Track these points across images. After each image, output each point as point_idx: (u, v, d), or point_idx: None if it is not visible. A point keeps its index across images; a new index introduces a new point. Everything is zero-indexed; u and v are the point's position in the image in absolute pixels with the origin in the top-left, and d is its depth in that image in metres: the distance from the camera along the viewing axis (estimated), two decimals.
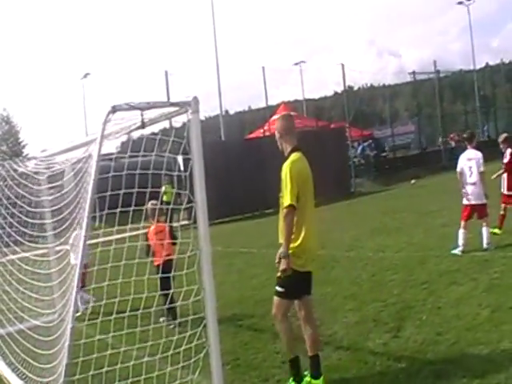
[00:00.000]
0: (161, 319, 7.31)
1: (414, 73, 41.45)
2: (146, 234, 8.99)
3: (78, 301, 4.93)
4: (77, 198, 5.30)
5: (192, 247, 5.40)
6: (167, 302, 7.62)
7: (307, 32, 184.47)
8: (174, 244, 8.34)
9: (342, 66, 35.18)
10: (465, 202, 11.28)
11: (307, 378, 5.98)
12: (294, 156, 6.02)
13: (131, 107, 4.83)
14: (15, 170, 7.49)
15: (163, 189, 17.76)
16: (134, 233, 6.24)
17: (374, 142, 41.08)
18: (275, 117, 36.41)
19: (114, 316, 5.65)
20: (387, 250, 12.55)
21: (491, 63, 62.76)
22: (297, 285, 5.91)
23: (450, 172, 32.27)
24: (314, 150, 27.91)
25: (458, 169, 11.45)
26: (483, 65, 59.65)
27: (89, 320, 5.93)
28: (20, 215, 7.33)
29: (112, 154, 7.34)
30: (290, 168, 5.86)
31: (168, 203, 13.55)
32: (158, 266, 8.40)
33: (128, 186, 5.31)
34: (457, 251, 10.95)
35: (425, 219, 16.40)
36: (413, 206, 20.13)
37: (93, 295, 8.25)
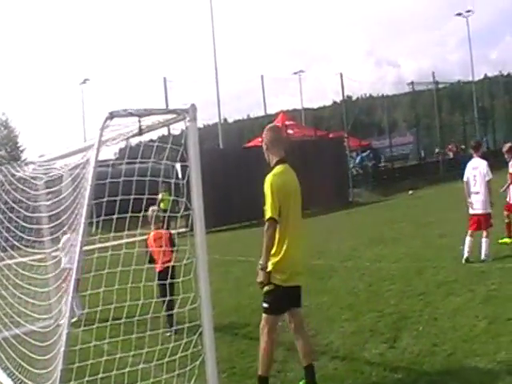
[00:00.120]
0: (167, 334, 7.21)
1: (412, 83, 41.54)
2: (145, 240, 8.99)
3: (73, 306, 4.90)
4: (74, 203, 5.29)
5: (189, 255, 5.39)
6: (165, 309, 7.59)
7: (306, 42, 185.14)
8: (174, 251, 8.33)
9: (341, 75, 35.31)
10: (470, 211, 11.27)
11: None
12: (278, 168, 5.96)
13: (129, 113, 4.83)
14: (13, 175, 7.48)
15: (160, 196, 17.72)
16: (131, 239, 6.23)
17: (372, 153, 41.15)
18: None
19: (109, 322, 5.63)
20: (384, 260, 12.53)
21: (490, 75, 63.01)
22: (281, 300, 5.83)
23: (447, 183, 32.45)
24: (313, 159, 28.34)
25: (465, 178, 11.45)
26: (482, 76, 59.92)
27: (85, 326, 5.90)
28: (17, 220, 7.31)
29: (110, 160, 7.34)
30: (271, 181, 5.81)
31: (165, 211, 13.52)
32: (159, 272, 8.37)
33: (125, 193, 5.29)
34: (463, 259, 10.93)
35: (422, 230, 16.41)
36: (410, 217, 20.15)
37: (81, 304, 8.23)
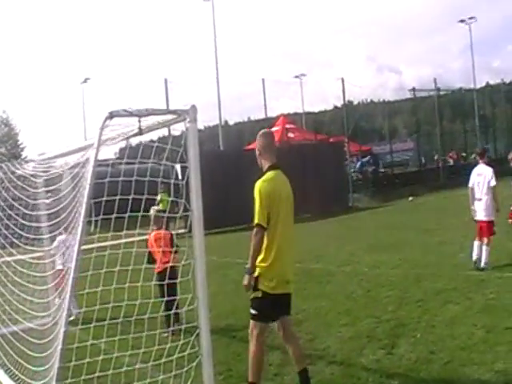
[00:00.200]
0: (164, 335, 7.19)
1: (413, 89, 41.49)
2: (146, 240, 8.97)
3: (71, 305, 4.88)
4: (73, 202, 5.27)
5: (187, 256, 5.37)
6: (163, 310, 7.56)
7: (308, 46, 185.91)
8: (175, 252, 8.30)
9: (342, 80, 35.28)
10: (475, 217, 11.27)
11: None
12: (269, 174, 5.94)
13: (129, 113, 4.81)
14: (13, 173, 7.46)
15: (159, 197, 17.65)
16: (130, 239, 6.20)
17: (372, 158, 41.15)
18: (274, 129, 36.52)
19: (107, 322, 5.60)
20: (383, 266, 12.50)
21: (492, 83, 63.11)
22: (269, 307, 5.79)
23: (448, 190, 32.46)
24: (313, 163, 28.25)
25: (470, 184, 11.44)
26: (484, 84, 59.99)
27: (82, 324, 5.87)
28: (16, 217, 7.30)
29: (110, 159, 7.33)
30: (260, 187, 5.79)
31: (163, 212, 13.47)
32: (159, 273, 8.35)
33: (124, 193, 5.27)
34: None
35: (421, 237, 16.39)
36: (410, 223, 20.13)
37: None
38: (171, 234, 8.99)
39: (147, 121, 5.07)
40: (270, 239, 5.75)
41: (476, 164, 11.79)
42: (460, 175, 35.45)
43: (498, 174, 12.96)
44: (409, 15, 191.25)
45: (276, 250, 5.74)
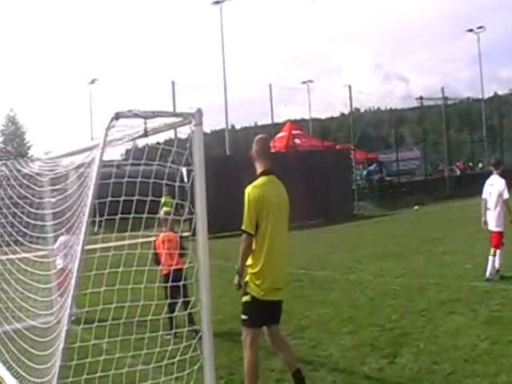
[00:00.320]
0: (167, 337, 7.17)
1: (421, 98, 41.45)
2: (154, 241, 8.95)
3: (73, 305, 4.86)
4: (77, 202, 5.26)
5: (190, 259, 5.36)
6: (167, 311, 7.54)
7: (316, 53, 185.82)
8: (183, 254, 8.25)
9: (349, 87, 35.33)
10: (487, 227, 11.25)
11: None
12: (260, 180, 5.89)
13: (134, 115, 4.80)
14: (19, 171, 7.46)
15: (163, 200, 17.62)
16: (134, 241, 6.18)
17: (378, 166, 41.11)
18: (280, 134, 36.54)
19: (109, 322, 5.58)
20: (387, 274, 12.45)
21: (500, 93, 63.00)
22: (259, 313, 5.74)
23: (454, 200, 32.40)
24: (318, 169, 28.17)
25: (483, 195, 11.42)
26: (491, 94, 59.87)
27: (85, 324, 5.86)
28: (21, 215, 7.30)
29: (115, 160, 7.33)
30: (249, 193, 5.75)
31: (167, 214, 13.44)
32: (165, 275, 8.31)
33: (129, 194, 5.25)
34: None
35: (426, 246, 16.33)
36: (415, 232, 20.06)
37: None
38: (181, 237, 8.93)
39: (153, 123, 5.05)
40: (260, 245, 5.71)
41: (489, 174, 11.77)
42: (466, 185, 35.55)
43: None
44: (417, 24, 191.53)
45: (265, 257, 5.69)
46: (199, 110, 5.08)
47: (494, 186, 11.21)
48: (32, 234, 7.17)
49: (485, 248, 11.57)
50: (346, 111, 44.03)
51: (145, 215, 5.40)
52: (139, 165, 5.63)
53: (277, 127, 39.41)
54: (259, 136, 6.32)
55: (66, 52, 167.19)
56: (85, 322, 5.88)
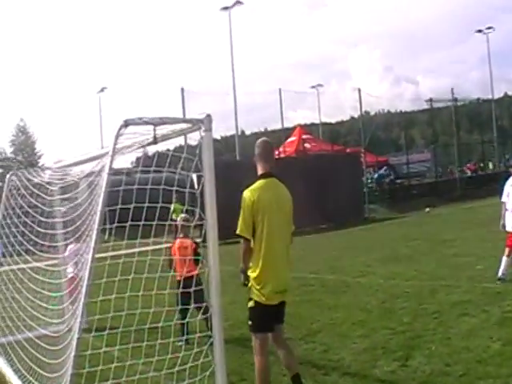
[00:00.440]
0: (178, 343, 7.20)
1: (431, 100, 41.40)
2: (170, 248, 9.02)
3: (84, 313, 4.89)
4: (88, 210, 5.29)
5: (201, 265, 5.38)
6: (179, 318, 7.58)
7: (325, 56, 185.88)
8: (197, 261, 8.28)
9: (359, 90, 35.34)
10: (506, 229, 11.18)
11: None
12: (258, 183, 5.90)
13: (143, 122, 4.82)
14: (29, 180, 7.52)
15: (172, 206, 17.63)
16: (144, 248, 6.21)
17: (388, 169, 41.01)
18: (291, 139, 36.57)
19: (121, 329, 5.61)
20: (398, 277, 12.41)
21: (510, 93, 62.69)
22: (263, 317, 5.74)
23: (465, 202, 32.25)
24: (329, 174, 28.14)
25: (503, 198, 11.32)
26: (501, 95, 59.58)
27: (96, 332, 5.89)
28: (32, 225, 7.35)
29: (124, 168, 7.37)
30: (245, 196, 5.79)
31: (186, 220, 13.47)
32: (179, 281, 8.34)
33: (139, 201, 5.28)
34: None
35: (438, 248, 16.27)
36: (426, 235, 19.98)
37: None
38: (196, 244, 8.92)
39: (162, 129, 5.08)
40: (257, 249, 5.71)
41: (503, 175, 11.66)
42: (477, 186, 35.38)
43: None
44: (425, 26, 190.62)
45: (263, 261, 5.68)
46: (208, 116, 5.09)
47: None
48: (43, 242, 7.23)
49: (496, 249, 11.52)
50: (356, 115, 44.08)
51: (155, 222, 5.42)
52: (149, 172, 5.66)
53: (287, 132, 39.46)
54: (260, 139, 6.33)
55: (75, 61, 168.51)
56: (96, 329, 5.91)
